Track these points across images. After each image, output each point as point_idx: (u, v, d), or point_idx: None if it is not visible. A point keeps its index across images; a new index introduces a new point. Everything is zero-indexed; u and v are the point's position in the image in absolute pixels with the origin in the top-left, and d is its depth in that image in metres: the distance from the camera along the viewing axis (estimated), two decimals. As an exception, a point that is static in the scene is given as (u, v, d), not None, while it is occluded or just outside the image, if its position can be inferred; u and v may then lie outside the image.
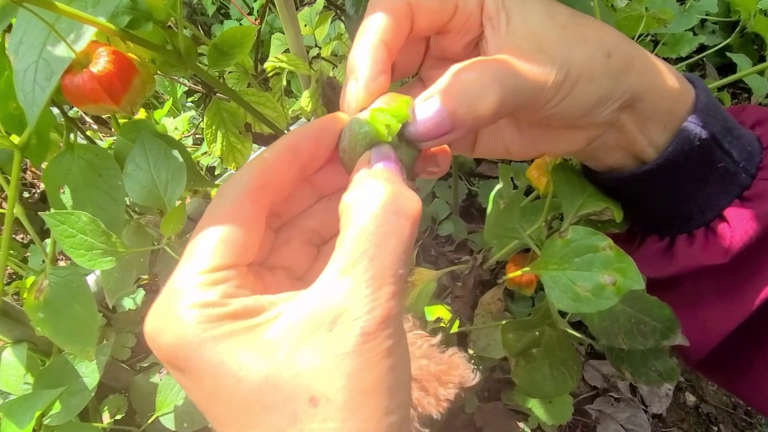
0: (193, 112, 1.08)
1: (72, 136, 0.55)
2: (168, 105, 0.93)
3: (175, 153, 0.49)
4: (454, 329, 0.80)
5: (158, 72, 0.60)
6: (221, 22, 1.28)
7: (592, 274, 0.34)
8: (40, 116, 0.52)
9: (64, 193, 0.52)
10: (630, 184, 0.33)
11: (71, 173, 0.52)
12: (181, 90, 1.05)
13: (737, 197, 0.32)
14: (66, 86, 0.36)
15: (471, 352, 0.92)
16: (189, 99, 1.19)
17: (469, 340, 0.91)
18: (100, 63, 0.37)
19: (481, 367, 0.93)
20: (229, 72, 0.68)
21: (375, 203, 0.20)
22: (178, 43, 0.41)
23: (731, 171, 0.31)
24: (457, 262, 1.07)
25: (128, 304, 0.92)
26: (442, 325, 0.78)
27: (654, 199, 0.33)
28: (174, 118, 1.00)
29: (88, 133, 1.06)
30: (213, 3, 1.21)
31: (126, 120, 0.66)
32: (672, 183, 0.31)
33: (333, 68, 0.79)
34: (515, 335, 0.54)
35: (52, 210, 0.53)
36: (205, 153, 0.94)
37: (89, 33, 0.35)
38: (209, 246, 0.20)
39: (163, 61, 0.56)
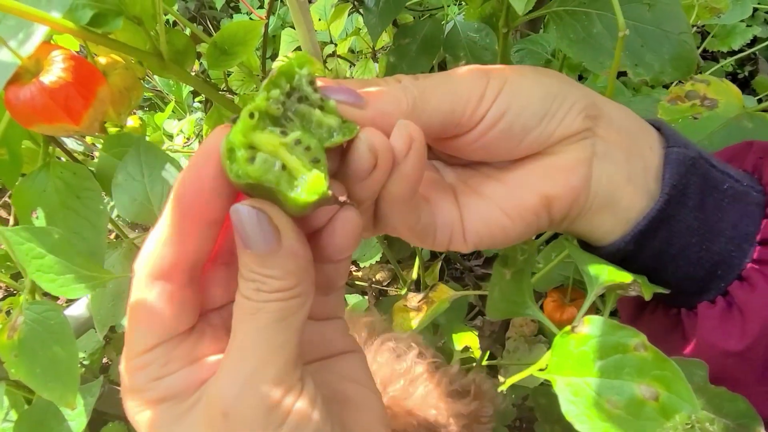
0: (200, 114, 1.01)
1: (50, 150, 0.47)
2: (170, 107, 0.86)
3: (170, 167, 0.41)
4: (484, 362, 0.72)
5: (149, 74, 0.52)
6: (231, 17, 1.20)
7: (624, 384, 0.27)
8: (9, 129, 0.45)
9: (37, 217, 0.45)
10: (649, 236, 0.29)
11: (46, 194, 0.45)
12: (186, 90, 0.97)
13: (764, 217, 0.29)
14: (10, 102, 0.29)
15: (502, 379, 0.84)
16: (196, 99, 1.12)
17: (500, 366, 0.84)
18: (54, 71, 0.29)
19: (512, 396, 0.85)
20: (231, 73, 0.60)
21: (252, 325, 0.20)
22: (159, 43, 0.33)
23: (741, 190, 0.29)
24: (487, 279, 0.98)
25: (129, 322, 0.85)
26: (471, 354, 0.70)
27: (680, 249, 0.29)
28: (179, 120, 0.93)
29: (89, 140, 0.99)
30: (222, -4, 1.14)
31: (118, 130, 0.59)
32: (689, 219, 0.28)
33: (350, 67, 0.71)
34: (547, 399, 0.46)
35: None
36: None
37: (41, 33, 0.28)
38: (132, 331, 0.21)
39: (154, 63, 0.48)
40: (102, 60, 0.44)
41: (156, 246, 0.21)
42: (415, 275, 0.76)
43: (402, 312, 0.70)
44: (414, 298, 0.66)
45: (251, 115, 0.19)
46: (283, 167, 0.19)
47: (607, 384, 0.28)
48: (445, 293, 0.63)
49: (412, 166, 0.23)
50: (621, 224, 0.29)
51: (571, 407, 0.28)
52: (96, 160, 0.47)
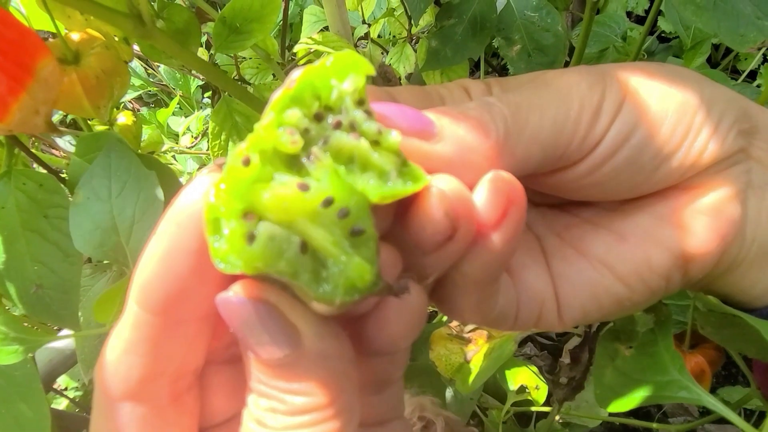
0: (209, 110, 0.91)
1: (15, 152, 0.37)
2: (175, 101, 0.76)
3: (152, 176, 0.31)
4: (540, 398, 0.61)
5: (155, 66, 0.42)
6: None
7: None
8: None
9: (-7, 242, 0.35)
10: None
11: (5, 212, 0.35)
12: (195, 84, 0.88)
13: None
14: None
15: (557, 418, 0.74)
16: (206, 95, 1.02)
17: (552, 401, 0.73)
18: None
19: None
20: (245, 59, 0.50)
21: None
22: (138, 1, 0.23)
23: None
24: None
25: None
26: (528, 396, 0.59)
27: None
28: (186, 117, 0.83)
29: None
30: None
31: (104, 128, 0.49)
32: None
33: (383, 53, 0.61)
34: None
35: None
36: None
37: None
38: None
39: (147, 44, 0.38)
40: (75, 36, 0.34)
41: (118, 352, 0.16)
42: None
43: (445, 342, 0.59)
44: (463, 326, 0.55)
45: (246, 162, 0.13)
46: (304, 247, 0.13)
47: None
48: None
49: (505, 241, 0.16)
50: None
51: None
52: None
